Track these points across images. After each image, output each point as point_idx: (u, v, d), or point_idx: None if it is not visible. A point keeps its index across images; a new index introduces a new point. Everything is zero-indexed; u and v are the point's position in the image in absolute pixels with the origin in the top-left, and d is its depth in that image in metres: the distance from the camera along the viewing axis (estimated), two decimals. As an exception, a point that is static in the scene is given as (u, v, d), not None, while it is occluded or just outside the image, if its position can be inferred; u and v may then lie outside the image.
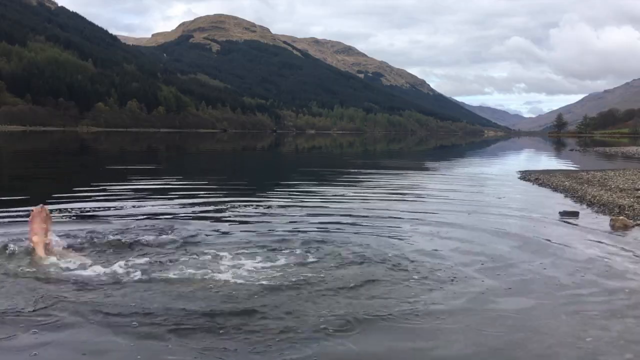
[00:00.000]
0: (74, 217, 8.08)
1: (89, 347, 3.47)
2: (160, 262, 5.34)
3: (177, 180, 14.74)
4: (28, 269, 4.97)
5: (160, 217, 8.25)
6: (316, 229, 7.36)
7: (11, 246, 5.59)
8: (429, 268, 5.33)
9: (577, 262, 5.75)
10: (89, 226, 7.13)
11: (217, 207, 9.42)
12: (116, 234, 6.53)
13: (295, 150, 45.52)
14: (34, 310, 4.01)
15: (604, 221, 8.40)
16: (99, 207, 9.07)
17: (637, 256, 6.14)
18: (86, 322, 3.83)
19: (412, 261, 5.57)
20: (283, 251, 5.88)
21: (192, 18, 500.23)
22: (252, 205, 9.78)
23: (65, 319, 3.88)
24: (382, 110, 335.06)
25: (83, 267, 5.07)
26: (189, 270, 5.03)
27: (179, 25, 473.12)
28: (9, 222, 7.43)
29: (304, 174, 18.37)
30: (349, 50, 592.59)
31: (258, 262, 5.39)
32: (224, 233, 6.96)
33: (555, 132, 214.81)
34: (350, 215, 8.67)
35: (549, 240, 6.87)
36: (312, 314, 4.05)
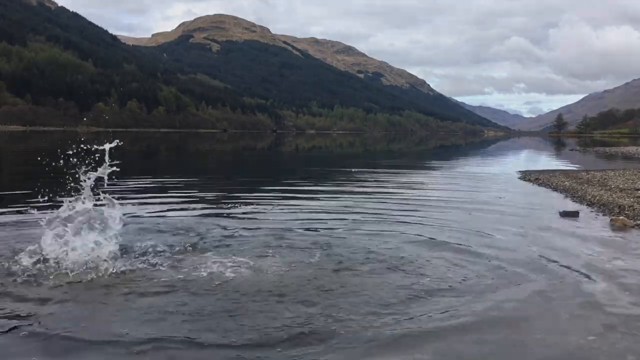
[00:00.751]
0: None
1: (87, 346, 3.46)
2: (159, 261, 5.34)
3: (177, 179, 14.73)
4: (29, 271, 4.97)
5: (160, 216, 8.24)
6: (319, 229, 7.34)
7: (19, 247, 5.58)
8: (434, 270, 5.31)
9: (577, 262, 5.74)
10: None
11: (219, 207, 9.41)
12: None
13: (295, 150, 45.54)
14: (34, 309, 4.01)
15: (604, 221, 8.40)
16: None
17: (637, 256, 6.14)
18: (84, 322, 3.82)
19: (419, 262, 5.56)
20: (290, 252, 5.86)
21: (192, 18, 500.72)
22: (254, 204, 9.78)
23: (62, 316, 3.87)
24: (382, 110, 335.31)
25: (83, 265, 5.07)
26: (190, 271, 5.03)
27: (179, 25, 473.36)
28: (14, 222, 7.43)
29: (307, 173, 18.38)
30: (349, 50, 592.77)
31: (266, 263, 5.35)
32: (226, 232, 6.92)
33: (555, 132, 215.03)
34: (352, 214, 8.65)
35: (548, 241, 6.85)
36: (320, 319, 4.00)
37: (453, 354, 3.51)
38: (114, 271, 4.96)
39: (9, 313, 3.98)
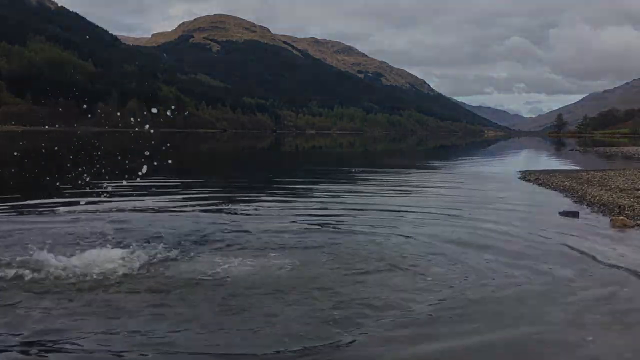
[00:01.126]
0: (77, 214, 8.08)
1: (83, 350, 3.46)
2: (160, 262, 5.35)
3: (177, 179, 14.74)
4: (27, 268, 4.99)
5: (161, 214, 8.26)
6: (325, 229, 7.36)
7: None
8: (437, 270, 5.31)
9: (577, 262, 5.77)
10: (91, 223, 7.14)
11: (220, 207, 9.42)
12: (116, 231, 6.53)
13: (296, 150, 45.53)
14: (34, 306, 4.03)
15: (604, 221, 8.42)
16: (99, 205, 9.07)
17: (636, 256, 6.16)
18: (80, 324, 3.82)
19: (425, 262, 5.58)
20: (295, 252, 5.85)
21: (192, 18, 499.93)
22: (256, 203, 9.79)
23: (56, 320, 3.87)
24: (382, 110, 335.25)
25: (83, 263, 5.09)
26: (191, 272, 5.04)
27: (179, 25, 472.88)
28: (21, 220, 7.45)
29: (308, 172, 18.39)
30: (349, 50, 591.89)
31: (270, 264, 5.33)
32: (228, 232, 6.94)
33: (555, 132, 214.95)
34: (355, 214, 8.67)
35: (548, 241, 6.87)
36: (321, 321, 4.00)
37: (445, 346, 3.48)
38: (112, 272, 4.95)
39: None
